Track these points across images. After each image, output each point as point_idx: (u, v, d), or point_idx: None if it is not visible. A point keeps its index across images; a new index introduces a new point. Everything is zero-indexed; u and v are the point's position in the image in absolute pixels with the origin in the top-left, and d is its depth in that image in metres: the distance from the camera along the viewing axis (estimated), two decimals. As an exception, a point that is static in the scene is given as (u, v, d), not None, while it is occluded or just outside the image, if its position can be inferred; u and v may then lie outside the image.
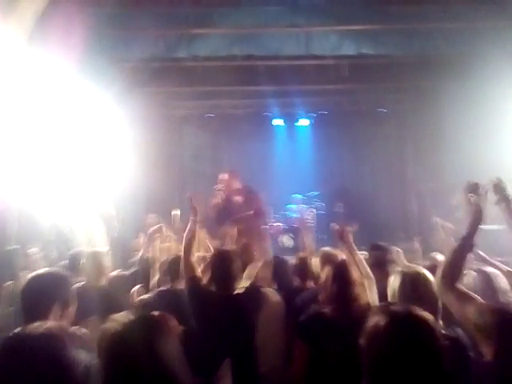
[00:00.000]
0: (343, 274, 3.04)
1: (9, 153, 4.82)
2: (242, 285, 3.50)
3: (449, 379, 1.54)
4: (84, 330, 2.44)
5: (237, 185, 6.27)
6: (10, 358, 1.68)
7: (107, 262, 4.09)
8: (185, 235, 3.71)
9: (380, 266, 3.55)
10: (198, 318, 3.29)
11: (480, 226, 2.30)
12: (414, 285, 2.41)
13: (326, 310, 2.97)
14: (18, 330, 1.85)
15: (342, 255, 3.68)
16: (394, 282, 2.50)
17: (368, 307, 2.84)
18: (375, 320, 1.65)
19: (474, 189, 2.40)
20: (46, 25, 5.30)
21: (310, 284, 4.13)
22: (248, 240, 4.41)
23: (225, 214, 6.05)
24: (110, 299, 3.44)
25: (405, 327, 1.60)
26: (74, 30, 5.37)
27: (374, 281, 3.13)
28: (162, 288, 3.84)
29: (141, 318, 1.80)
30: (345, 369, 2.55)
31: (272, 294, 3.78)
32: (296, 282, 4.22)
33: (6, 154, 4.78)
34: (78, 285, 3.67)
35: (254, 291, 3.52)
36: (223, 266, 3.50)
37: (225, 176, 6.36)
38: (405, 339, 1.57)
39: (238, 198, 6.26)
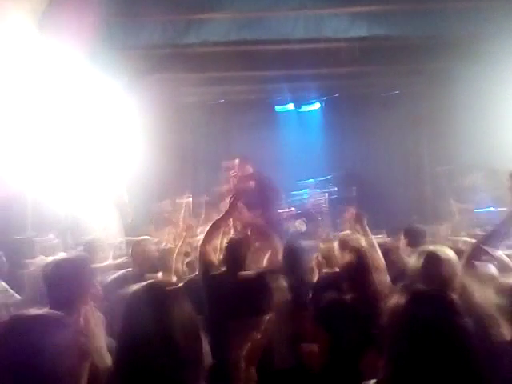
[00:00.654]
0: (364, 261, 3.01)
1: (22, 141, 4.86)
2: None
3: (472, 358, 1.52)
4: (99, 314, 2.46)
5: (248, 170, 6.23)
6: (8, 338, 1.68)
7: (154, 249, 4.08)
8: (212, 224, 3.74)
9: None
10: (209, 302, 3.31)
11: None
12: (431, 264, 2.39)
13: (347, 296, 2.96)
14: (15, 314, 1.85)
15: (361, 240, 3.66)
16: (414, 261, 2.49)
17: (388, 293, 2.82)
18: (396, 299, 1.63)
19: None
20: (56, 12, 5.30)
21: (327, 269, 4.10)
22: (261, 227, 4.39)
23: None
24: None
25: (426, 306, 1.58)
26: (84, 17, 5.37)
27: (385, 268, 3.14)
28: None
29: (152, 284, 1.79)
30: (364, 355, 2.55)
31: (280, 279, 3.78)
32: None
33: (19, 143, 4.82)
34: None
35: (262, 276, 3.52)
36: (235, 251, 3.52)
37: (236, 162, 6.31)
38: (426, 318, 1.55)
39: (251, 184, 6.22)
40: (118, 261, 4.26)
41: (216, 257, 3.69)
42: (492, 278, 2.08)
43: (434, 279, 2.19)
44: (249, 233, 4.20)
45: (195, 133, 10.70)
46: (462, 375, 1.50)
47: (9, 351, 1.48)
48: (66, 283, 2.34)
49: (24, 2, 4.46)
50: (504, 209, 2.41)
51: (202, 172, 10.41)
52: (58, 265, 2.51)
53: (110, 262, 4.32)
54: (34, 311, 1.65)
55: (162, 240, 5.16)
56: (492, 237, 2.25)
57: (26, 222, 5.06)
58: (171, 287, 1.74)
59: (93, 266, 2.85)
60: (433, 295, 1.64)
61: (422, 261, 2.44)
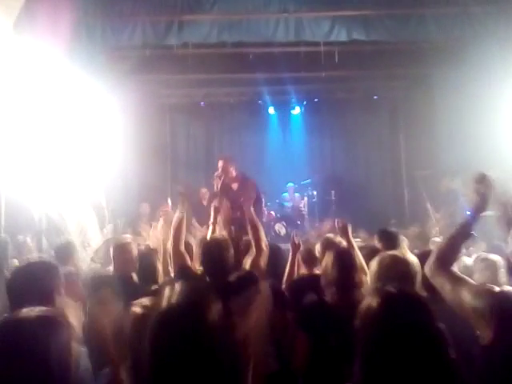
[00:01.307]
0: (345, 259, 2.96)
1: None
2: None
3: (446, 360, 1.52)
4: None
5: (232, 171, 6.19)
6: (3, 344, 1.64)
7: (135, 251, 4.02)
8: (173, 225, 3.68)
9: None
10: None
11: (481, 215, 2.29)
12: (390, 266, 2.44)
13: (327, 297, 2.93)
14: (6, 315, 1.82)
15: (343, 241, 3.67)
16: (372, 266, 2.53)
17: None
18: (368, 301, 1.63)
19: (480, 179, 2.39)
20: (33, 11, 5.22)
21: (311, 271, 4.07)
22: (243, 228, 4.34)
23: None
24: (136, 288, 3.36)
25: (398, 307, 1.58)
26: (62, 16, 5.30)
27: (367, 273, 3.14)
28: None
29: (189, 295, 1.71)
30: (347, 358, 2.53)
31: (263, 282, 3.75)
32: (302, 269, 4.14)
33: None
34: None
35: (247, 278, 3.49)
36: (214, 254, 3.45)
37: (220, 162, 6.28)
38: (398, 318, 1.55)
39: (234, 185, 6.18)
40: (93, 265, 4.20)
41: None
42: (465, 280, 2.08)
43: (388, 280, 2.21)
44: (233, 228, 4.15)
45: (175, 134, 10.64)
46: (435, 377, 1.50)
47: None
48: (32, 286, 2.30)
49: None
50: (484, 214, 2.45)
51: (181, 174, 10.36)
52: (20, 268, 2.46)
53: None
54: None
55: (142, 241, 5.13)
56: (455, 237, 2.27)
57: (-1, 223, 4.97)
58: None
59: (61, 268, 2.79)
60: (405, 296, 1.64)
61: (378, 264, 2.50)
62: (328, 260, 3.05)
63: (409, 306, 1.59)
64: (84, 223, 5.24)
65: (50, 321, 1.70)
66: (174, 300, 1.54)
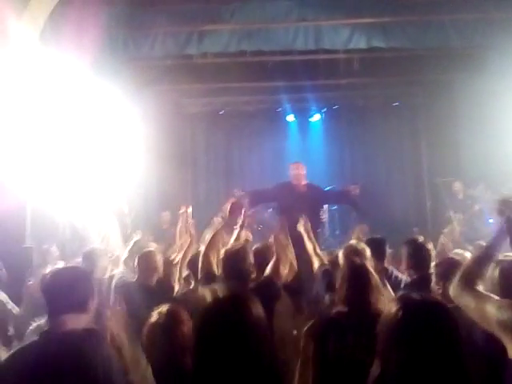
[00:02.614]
0: (359, 276, 2.81)
1: (22, 151, 4.87)
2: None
3: (466, 368, 1.51)
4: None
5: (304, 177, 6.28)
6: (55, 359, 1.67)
7: (160, 260, 4.08)
8: (212, 233, 3.74)
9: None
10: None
11: (506, 239, 2.25)
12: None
13: (339, 313, 2.76)
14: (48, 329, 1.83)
15: (367, 251, 3.55)
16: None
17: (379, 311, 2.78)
18: (389, 308, 1.64)
19: (507, 204, 2.36)
20: (58, 24, 5.36)
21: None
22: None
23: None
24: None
25: (419, 313, 1.58)
26: (86, 28, 5.41)
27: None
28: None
29: (228, 296, 1.75)
30: (345, 368, 2.51)
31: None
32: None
33: (20, 153, 4.83)
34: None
35: (266, 284, 3.49)
36: (233, 263, 3.48)
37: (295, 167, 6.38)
38: (419, 325, 1.55)
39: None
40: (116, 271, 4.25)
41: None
42: (489, 296, 2.06)
43: None
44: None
45: (195, 143, 10.72)
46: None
47: None
48: (66, 291, 2.32)
49: (24, 12, 4.49)
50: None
51: (201, 182, 10.43)
52: (56, 274, 2.49)
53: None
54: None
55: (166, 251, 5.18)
56: (480, 258, 2.24)
57: (24, 232, 5.05)
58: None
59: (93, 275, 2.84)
60: (426, 303, 1.64)
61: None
62: (342, 275, 2.92)
63: (430, 313, 1.60)
64: (107, 231, 5.30)
65: (94, 334, 1.73)
66: (218, 297, 1.62)
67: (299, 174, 6.23)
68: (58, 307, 2.20)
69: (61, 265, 2.78)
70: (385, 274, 3.54)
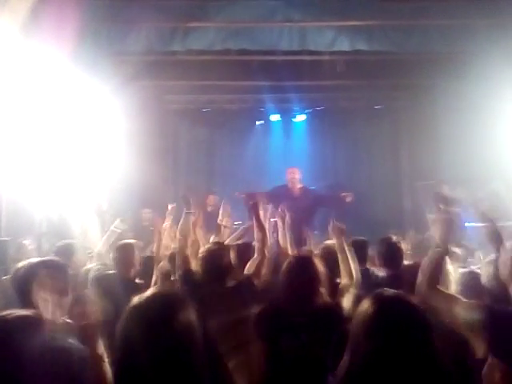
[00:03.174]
0: (301, 267, 2.95)
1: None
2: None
3: (438, 365, 1.54)
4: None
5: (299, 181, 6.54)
6: None
7: (137, 253, 4.07)
8: (179, 229, 3.71)
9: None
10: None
11: (452, 232, 2.33)
12: None
13: (283, 304, 2.89)
14: None
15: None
16: None
17: (329, 304, 2.86)
18: (364, 305, 1.66)
19: (443, 200, 2.43)
20: (39, 16, 5.26)
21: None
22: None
23: None
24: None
25: (392, 311, 1.61)
26: (68, 21, 5.34)
27: (356, 280, 3.16)
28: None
29: (159, 293, 1.78)
30: (302, 365, 2.54)
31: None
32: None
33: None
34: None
35: (245, 284, 3.49)
36: (214, 259, 3.49)
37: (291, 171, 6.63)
38: (389, 319, 1.58)
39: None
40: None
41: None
42: (455, 297, 2.10)
43: None
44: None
45: (178, 139, 10.68)
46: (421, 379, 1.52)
47: None
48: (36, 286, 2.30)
49: (5, 4, 4.41)
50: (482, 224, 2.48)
51: (183, 178, 10.38)
52: (29, 268, 2.47)
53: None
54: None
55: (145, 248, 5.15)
56: (436, 257, 2.29)
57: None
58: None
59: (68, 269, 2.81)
60: (397, 300, 1.67)
61: None
62: (285, 266, 3.02)
63: (403, 311, 1.63)
64: (85, 226, 5.25)
65: (24, 320, 1.74)
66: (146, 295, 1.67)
67: (294, 178, 6.68)
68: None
69: (35, 259, 2.75)
70: (365, 274, 3.61)
